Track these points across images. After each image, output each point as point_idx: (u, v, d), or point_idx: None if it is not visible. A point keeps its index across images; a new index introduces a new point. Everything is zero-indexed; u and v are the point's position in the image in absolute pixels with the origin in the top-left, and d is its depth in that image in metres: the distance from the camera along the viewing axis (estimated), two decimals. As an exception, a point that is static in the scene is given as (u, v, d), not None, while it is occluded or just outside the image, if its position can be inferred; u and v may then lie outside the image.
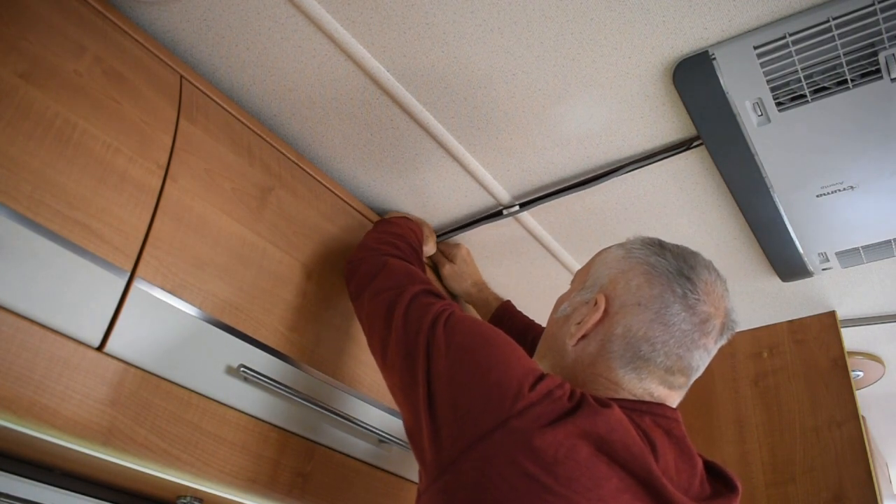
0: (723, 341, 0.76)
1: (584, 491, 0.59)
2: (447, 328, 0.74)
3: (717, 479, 0.73)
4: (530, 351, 1.15)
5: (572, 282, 0.87)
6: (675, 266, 0.74)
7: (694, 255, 0.78)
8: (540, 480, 0.58)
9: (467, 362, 0.69)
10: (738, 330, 0.79)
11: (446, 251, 1.30)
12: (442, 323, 0.75)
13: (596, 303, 0.76)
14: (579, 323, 0.77)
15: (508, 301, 1.26)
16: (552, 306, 0.87)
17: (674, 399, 0.74)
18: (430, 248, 1.25)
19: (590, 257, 0.87)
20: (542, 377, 0.66)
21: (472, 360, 0.69)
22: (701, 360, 0.74)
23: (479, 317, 1.30)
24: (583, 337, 0.76)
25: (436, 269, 1.31)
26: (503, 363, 0.68)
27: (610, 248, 0.84)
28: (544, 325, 1.20)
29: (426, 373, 0.71)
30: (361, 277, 0.92)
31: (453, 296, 1.31)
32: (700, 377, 0.76)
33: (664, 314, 0.72)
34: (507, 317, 1.23)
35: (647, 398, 0.72)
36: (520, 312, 1.24)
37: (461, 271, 1.29)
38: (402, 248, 0.99)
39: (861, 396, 1.58)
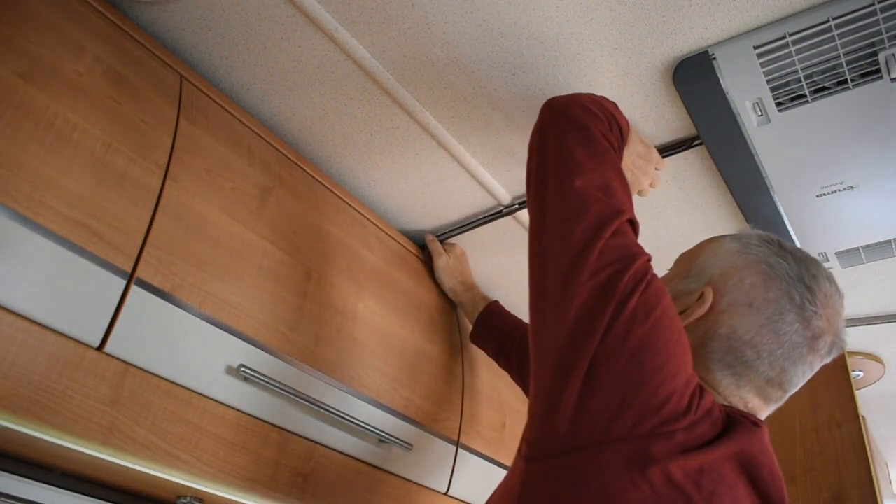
0: (828, 360, 0.71)
1: None
2: (648, 292, 0.62)
3: None
4: (518, 352, 1.14)
5: (673, 266, 0.81)
6: (797, 271, 0.69)
7: (816, 262, 0.72)
8: (684, 490, 0.55)
9: (661, 347, 0.60)
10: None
11: (444, 246, 1.30)
12: (645, 282, 0.63)
13: (702, 295, 0.71)
14: (680, 313, 0.71)
15: (496, 301, 1.25)
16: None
17: (765, 412, 0.70)
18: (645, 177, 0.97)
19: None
20: (703, 391, 0.62)
21: (666, 349, 0.60)
22: (803, 377, 0.69)
23: (466, 314, 1.29)
24: None
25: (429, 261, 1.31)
26: (687, 368, 0.62)
27: (723, 237, 0.77)
28: None
29: (608, 327, 0.60)
30: (576, 141, 0.74)
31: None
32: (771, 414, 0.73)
33: (777, 321, 0.67)
34: (495, 316, 1.21)
35: (742, 408, 0.68)
36: (508, 312, 1.22)
37: (454, 267, 1.28)
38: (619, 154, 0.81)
39: (861, 396, 1.58)
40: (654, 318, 0.61)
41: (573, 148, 0.74)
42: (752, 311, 0.68)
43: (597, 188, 0.70)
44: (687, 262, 0.78)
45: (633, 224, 0.70)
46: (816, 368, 0.70)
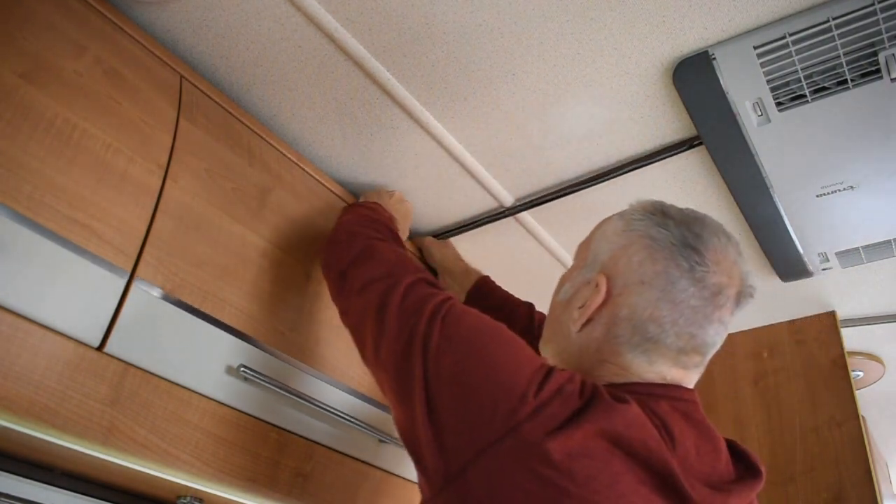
0: (738, 311, 0.70)
1: (602, 489, 0.56)
2: (446, 322, 0.67)
3: (740, 461, 0.69)
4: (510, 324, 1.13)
5: (575, 256, 0.81)
6: (679, 236, 0.68)
7: (700, 220, 0.71)
8: (558, 484, 0.55)
9: (472, 361, 0.63)
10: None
11: (427, 240, 1.30)
12: (441, 317, 0.68)
13: (597, 284, 0.71)
14: (581, 307, 0.72)
15: (487, 276, 1.22)
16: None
17: (690, 379, 0.70)
18: (403, 234, 1.14)
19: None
20: (549, 373, 0.62)
21: (478, 359, 0.63)
22: (717, 335, 0.69)
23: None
24: (587, 322, 0.71)
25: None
26: (512, 362, 0.63)
27: (610, 218, 0.77)
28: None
29: (424, 372, 0.65)
30: (346, 263, 0.84)
31: (433, 271, 1.29)
32: (700, 377, 0.72)
33: (671, 291, 0.66)
34: (486, 290, 1.19)
35: (660, 381, 0.68)
36: (498, 287, 1.21)
37: (441, 243, 1.29)
38: (385, 233, 0.92)
39: (861, 396, 1.58)
40: (458, 340, 0.65)
41: (350, 259, 0.85)
42: (645, 288, 0.68)
43: (376, 280, 0.78)
44: (583, 251, 0.78)
45: (425, 280, 0.77)
46: (729, 322, 0.70)
